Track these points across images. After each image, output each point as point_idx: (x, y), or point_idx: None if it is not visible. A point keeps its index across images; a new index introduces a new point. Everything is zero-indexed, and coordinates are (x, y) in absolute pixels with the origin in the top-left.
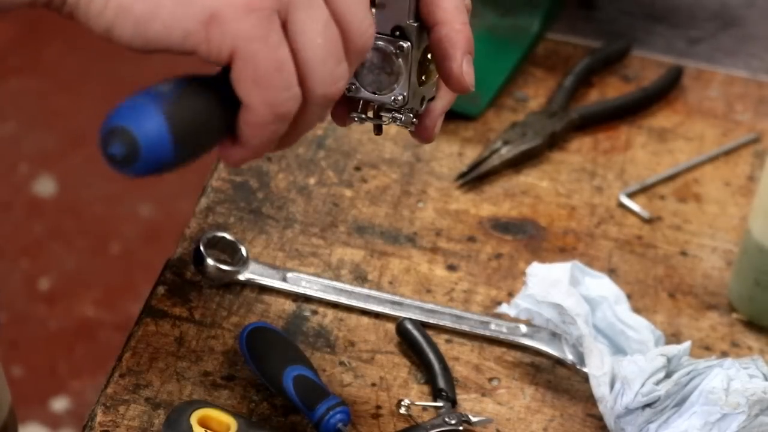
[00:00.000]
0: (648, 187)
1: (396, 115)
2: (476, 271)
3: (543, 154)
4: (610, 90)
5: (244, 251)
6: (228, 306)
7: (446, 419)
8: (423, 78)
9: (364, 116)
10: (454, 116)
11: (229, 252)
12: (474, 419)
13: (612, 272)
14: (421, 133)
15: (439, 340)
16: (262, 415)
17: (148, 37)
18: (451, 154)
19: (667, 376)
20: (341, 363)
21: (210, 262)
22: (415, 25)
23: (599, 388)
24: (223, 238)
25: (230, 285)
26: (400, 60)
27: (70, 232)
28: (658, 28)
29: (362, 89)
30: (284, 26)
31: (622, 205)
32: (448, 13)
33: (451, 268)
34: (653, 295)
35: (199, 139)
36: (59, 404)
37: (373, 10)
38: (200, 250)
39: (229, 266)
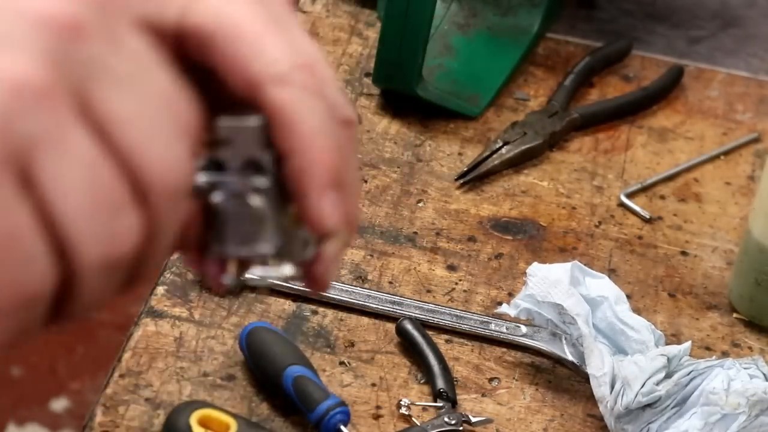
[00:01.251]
0: (648, 187)
1: (269, 270)
2: (476, 271)
3: (543, 154)
4: (611, 90)
5: None
6: (228, 306)
7: (446, 419)
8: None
9: (237, 278)
10: (454, 116)
11: None
12: (474, 419)
13: (612, 272)
14: (311, 283)
15: (439, 340)
16: (262, 415)
17: None
18: (451, 154)
19: (668, 376)
20: (341, 363)
21: None
22: (270, 155)
23: (599, 388)
24: None
25: None
26: (258, 201)
27: None
28: (658, 27)
29: (225, 243)
30: (27, 177)
31: (622, 205)
32: (302, 139)
33: (451, 268)
34: (653, 295)
35: None
36: (59, 404)
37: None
38: None
39: None
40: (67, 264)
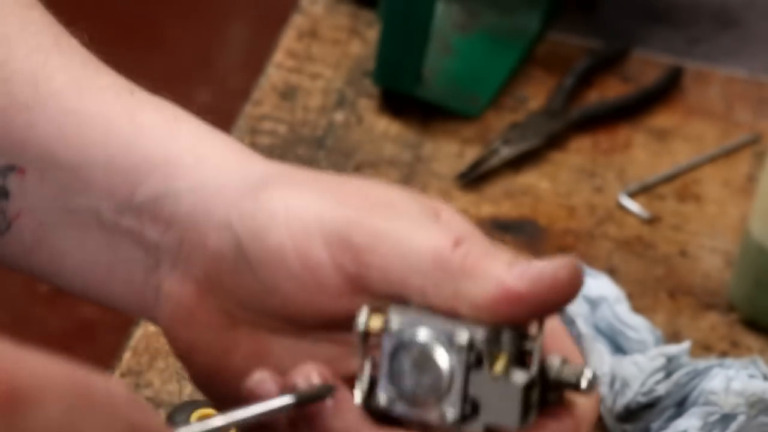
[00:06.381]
0: (648, 187)
1: None
2: None
3: (543, 154)
4: (610, 90)
5: None
6: None
7: None
8: None
9: None
10: (454, 116)
11: None
12: None
13: (612, 272)
14: None
15: None
16: None
17: None
18: (451, 154)
19: (667, 376)
20: None
21: None
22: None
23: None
24: None
25: None
26: None
27: None
28: (658, 28)
29: None
30: None
31: (622, 205)
32: None
33: None
34: (653, 295)
35: None
36: None
37: None
38: None
39: None
40: None
